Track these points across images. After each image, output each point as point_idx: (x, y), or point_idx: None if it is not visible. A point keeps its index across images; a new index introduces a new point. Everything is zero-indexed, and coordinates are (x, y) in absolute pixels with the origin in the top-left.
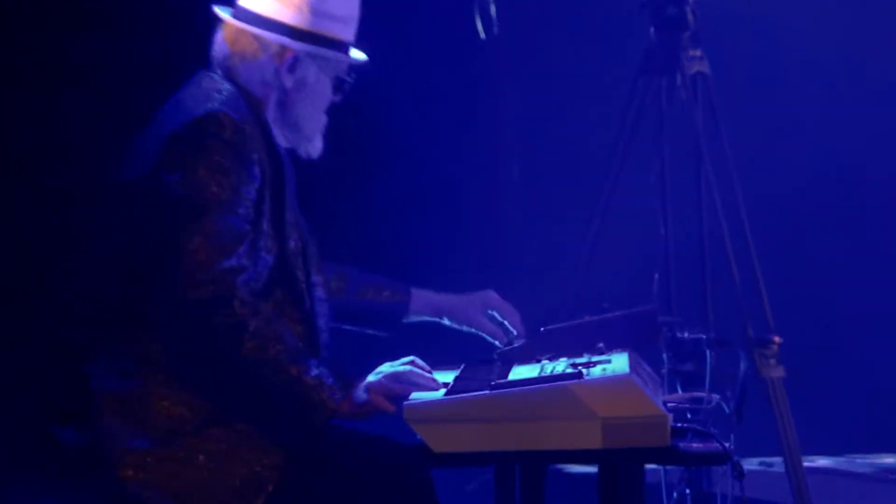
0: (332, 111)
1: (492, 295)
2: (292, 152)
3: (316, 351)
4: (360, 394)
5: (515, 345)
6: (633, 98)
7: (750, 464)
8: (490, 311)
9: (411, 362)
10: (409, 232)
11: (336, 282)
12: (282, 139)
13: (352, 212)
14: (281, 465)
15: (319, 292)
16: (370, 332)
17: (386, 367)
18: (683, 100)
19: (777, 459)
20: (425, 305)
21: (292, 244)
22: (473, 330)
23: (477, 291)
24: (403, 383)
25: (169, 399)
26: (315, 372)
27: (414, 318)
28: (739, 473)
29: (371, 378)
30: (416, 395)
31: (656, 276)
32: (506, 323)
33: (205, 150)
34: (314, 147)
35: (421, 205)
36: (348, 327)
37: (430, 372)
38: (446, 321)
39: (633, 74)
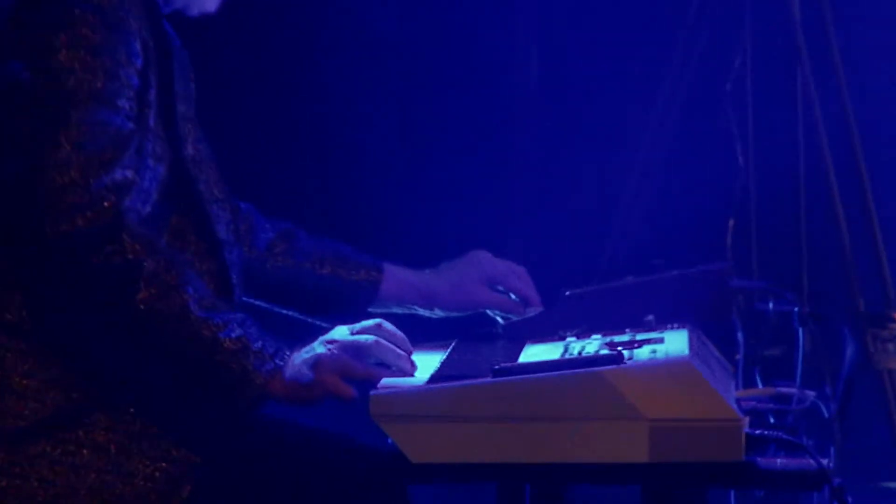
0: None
1: (484, 258)
2: (179, 17)
3: (231, 302)
4: (303, 369)
5: (528, 314)
6: None
7: (858, 488)
8: (493, 283)
9: (377, 327)
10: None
11: (279, 242)
12: None
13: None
14: (189, 473)
15: (224, 232)
16: (310, 320)
17: (341, 334)
18: None
19: None
20: (402, 287)
21: (190, 149)
22: (479, 311)
23: (459, 258)
24: (366, 359)
25: (34, 378)
26: (237, 332)
27: (383, 307)
28: (841, 503)
29: (319, 349)
30: (390, 381)
31: (731, 223)
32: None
33: (65, 21)
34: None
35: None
36: (277, 310)
37: (405, 344)
38: (437, 311)
39: None
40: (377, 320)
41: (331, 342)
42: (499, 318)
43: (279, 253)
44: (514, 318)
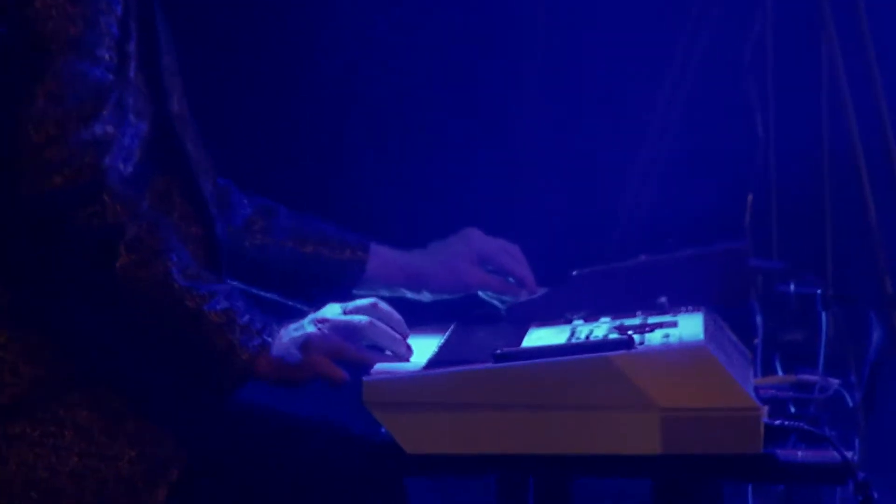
0: None
1: (474, 236)
2: None
3: (218, 272)
4: (291, 349)
5: (533, 296)
6: None
7: (884, 483)
8: (485, 263)
9: (372, 307)
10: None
11: (258, 219)
12: None
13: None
14: (178, 456)
15: (211, 196)
16: (290, 303)
17: (333, 313)
18: None
19: None
20: (389, 268)
21: (176, 105)
22: (470, 293)
23: (449, 237)
24: (359, 341)
25: (8, 351)
26: (223, 304)
27: (369, 289)
28: (867, 498)
29: (309, 328)
30: (384, 366)
31: (749, 199)
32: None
33: None
34: None
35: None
36: (255, 292)
37: (401, 326)
38: (426, 295)
39: None
40: (372, 300)
41: (321, 321)
42: (495, 302)
43: (258, 230)
44: (510, 301)
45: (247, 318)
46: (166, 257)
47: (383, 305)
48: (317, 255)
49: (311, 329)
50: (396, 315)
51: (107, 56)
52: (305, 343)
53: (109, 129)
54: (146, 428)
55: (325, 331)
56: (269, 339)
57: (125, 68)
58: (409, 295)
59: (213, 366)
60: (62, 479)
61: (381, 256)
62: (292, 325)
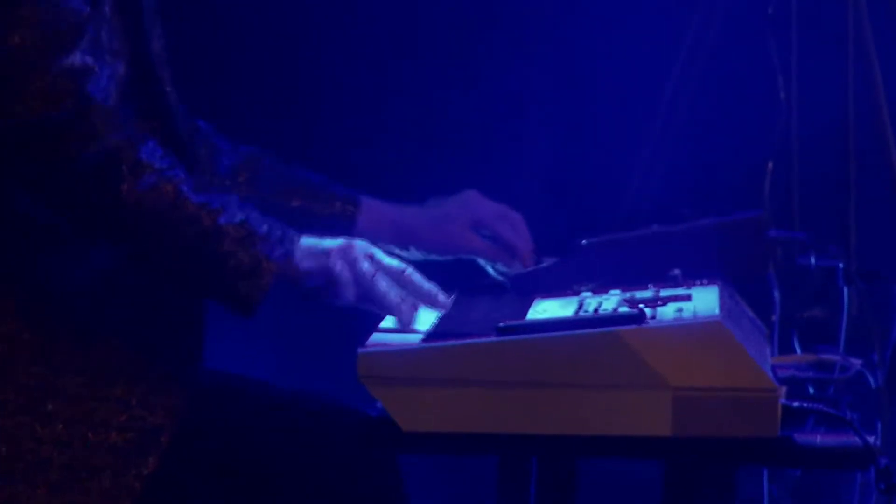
0: None
1: (473, 199)
2: None
3: None
4: (318, 255)
5: (540, 265)
6: None
7: None
8: (480, 228)
9: (401, 272)
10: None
11: (243, 170)
12: None
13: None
14: (168, 424)
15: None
16: None
17: (368, 248)
18: None
19: None
20: (380, 223)
21: (155, 45)
22: (460, 256)
23: (449, 197)
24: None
25: None
26: (239, 215)
27: None
28: (889, 485)
29: (334, 242)
30: (380, 337)
31: (769, 166)
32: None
33: None
34: None
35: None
36: None
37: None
38: (413, 251)
39: None
40: (405, 266)
41: (362, 248)
42: (489, 269)
43: (243, 182)
44: (503, 271)
45: (265, 227)
46: (172, 174)
47: (415, 275)
48: (304, 209)
49: (337, 242)
50: (425, 284)
51: None
52: (329, 250)
53: (89, 60)
54: (136, 394)
55: (365, 261)
56: (291, 248)
57: (99, 3)
58: (397, 251)
59: (240, 281)
60: (48, 447)
61: (373, 210)
62: (312, 238)
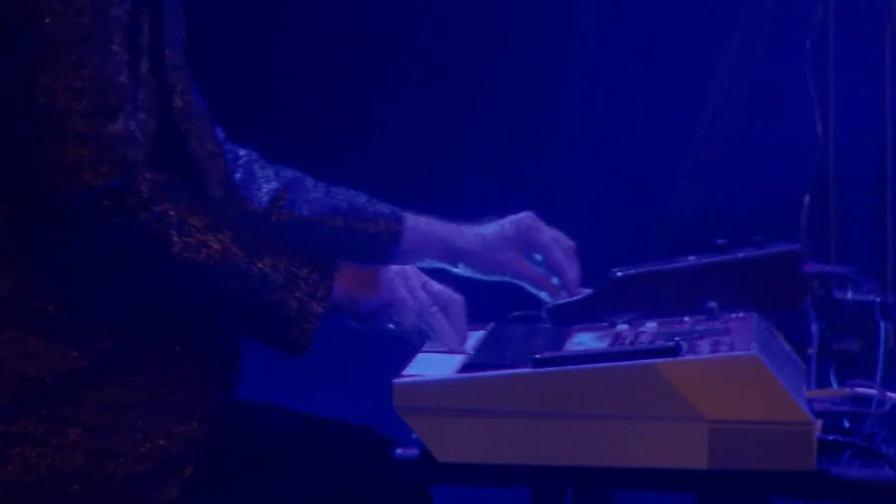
0: None
1: (528, 222)
2: None
3: None
4: (378, 280)
5: (575, 297)
6: None
7: None
8: (532, 253)
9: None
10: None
11: (284, 194)
12: None
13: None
14: (191, 454)
15: (217, 189)
16: None
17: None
18: None
19: None
20: (426, 242)
21: (178, 101)
22: (507, 279)
23: (503, 219)
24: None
25: (9, 350)
26: (284, 261)
27: (403, 262)
28: None
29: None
30: (417, 368)
31: (806, 199)
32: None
33: None
34: None
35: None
36: None
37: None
38: (461, 268)
39: None
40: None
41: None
42: (544, 297)
43: (283, 207)
44: (547, 299)
45: (305, 270)
46: (218, 231)
47: (459, 307)
48: (347, 229)
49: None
50: (450, 332)
51: (119, 49)
52: (390, 277)
53: (131, 125)
54: (157, 424)
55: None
56: (328, 287)
57: (136, 63)
58: (446, 267)
59: (289, 326)
60: (66, 478)
61: (418, 229)
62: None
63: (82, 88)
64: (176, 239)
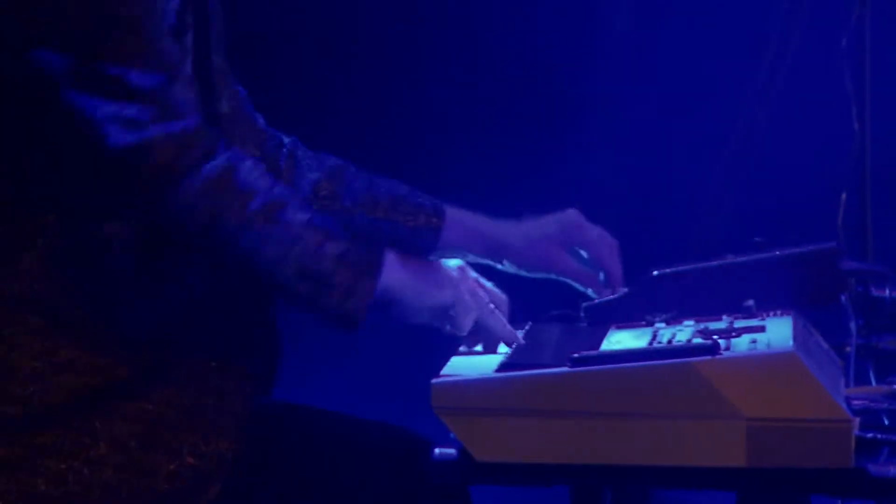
0: None
1: (573, 219)
2: None
3: None
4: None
5: (613, 296)
6: None
7: None
8: (576, 248)
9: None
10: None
11: (326, 184)
12: None
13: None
14: (230, 455)
15: None
16: None
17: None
18: None
19: None
20: (469, 236)
21: (225, 106)
22: (552, 276)
23: (549, 214)
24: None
25: (42, 360)
26: (342, 236)
27: (443, 256)
28: None
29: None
30: (455, 368)
31: (843, 197)
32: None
33: None
34: None
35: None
36: None
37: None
38: (506, 265)
39: None
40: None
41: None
42: (590, 293)
43: (326, 196)
44: (591, 295)
45: (355, 246)
46: (277, 192)
47: (506, 307)
48: (388, 220)
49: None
50: (508, 329)
51: (169, 47)
52: (453, 277)
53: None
54: (186, 441)
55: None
56: (376, 272)
57: (181, 63)
58: (490, 263)
59: (343, 300)
60: (95, 492)
61: (459, 223)
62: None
63: (176, 115)
64: (234, 199)
